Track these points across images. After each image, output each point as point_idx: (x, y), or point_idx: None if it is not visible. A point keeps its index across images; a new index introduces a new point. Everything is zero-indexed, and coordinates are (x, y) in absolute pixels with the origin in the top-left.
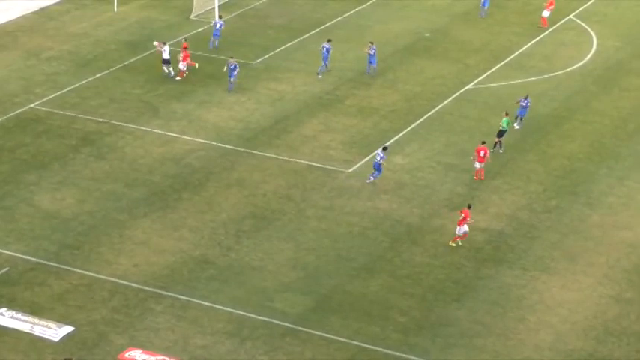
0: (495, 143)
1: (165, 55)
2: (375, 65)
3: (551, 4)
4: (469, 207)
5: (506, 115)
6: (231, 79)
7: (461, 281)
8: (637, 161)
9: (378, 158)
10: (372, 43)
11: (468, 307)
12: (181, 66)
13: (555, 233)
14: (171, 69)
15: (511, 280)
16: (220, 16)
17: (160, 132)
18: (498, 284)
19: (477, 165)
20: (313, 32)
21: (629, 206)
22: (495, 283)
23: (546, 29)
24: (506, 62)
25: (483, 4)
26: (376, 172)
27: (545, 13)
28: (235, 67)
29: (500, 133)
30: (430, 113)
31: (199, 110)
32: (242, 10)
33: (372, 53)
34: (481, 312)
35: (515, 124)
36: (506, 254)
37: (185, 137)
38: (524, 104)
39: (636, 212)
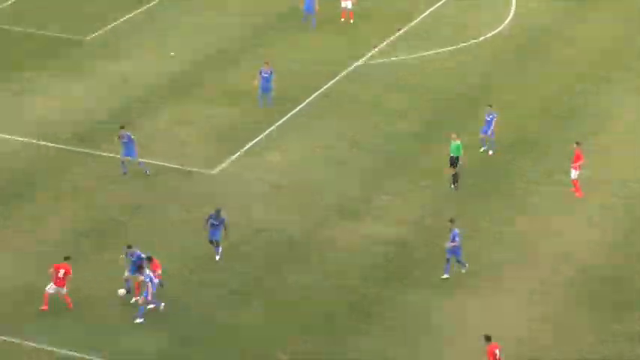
0: (454, 176)
1: None
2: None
3: None
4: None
5: (456, 138)
6: (263, 94)
7: (357, 306)
8: (568, 151)
9: None
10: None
11: (368, 338)
12: None
13: (472, 243)
14: None
15: (420, 302)
16: None
17: None
18: (404, 308)
19: None
20: None
21: (560, 206)
22: (401, 306)
23: None
24: (406, 31)
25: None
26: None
27: None
28: (271, 73)
29: (453, 161)
30: (312, 97)
31: (17, 100)
32: None
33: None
34: (384, 344)
35: (484, 148)
36: (412, 271)
37: (2, 135)
38: (488, 118)
39: (568, 213)
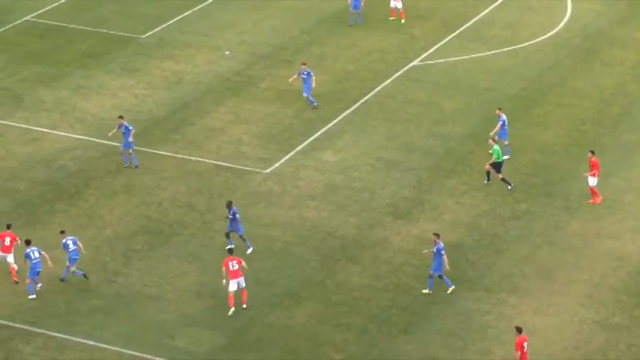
0: (487, 172)
1: None
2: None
3: None
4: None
5: (494, 141)
6: (307, 95)
7: (409, 308)
8: (624, 153)
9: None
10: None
11: (419, 339)
12: None
13: (526, 244)
14: None
15: (472, 304)
16: None
17: (25, 126)
18: (456, 310)
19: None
20: None
21: (616, 209)
22: (452, 308)
23: None
24: (461, 32)
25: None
26: None
27: None
28: (309, 75)
29: (497, 167)
30: (367, 97)
31: (75, 98)
32: None
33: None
34: (435, 346)
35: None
36: (466, 272)
37: (57, 132)
38: (500, 122)
39: (624, 217)
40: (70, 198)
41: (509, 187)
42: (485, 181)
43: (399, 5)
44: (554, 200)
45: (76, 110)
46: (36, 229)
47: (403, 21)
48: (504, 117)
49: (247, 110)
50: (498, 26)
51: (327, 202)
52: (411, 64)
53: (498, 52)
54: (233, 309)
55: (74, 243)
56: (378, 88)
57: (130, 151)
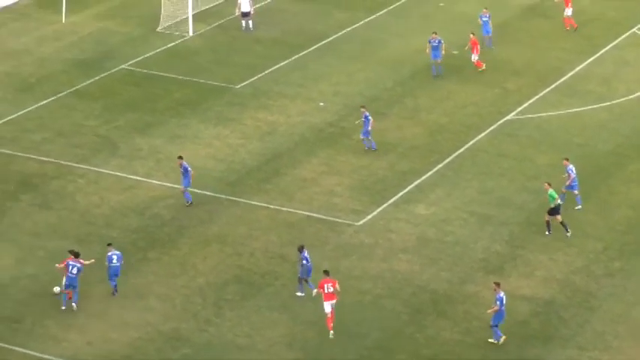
0: (547, 223)
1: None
2: (439, 61)
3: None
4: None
5: (549, 185)
6: (365, 137)
7: None
8: None
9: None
10: (435, 33)
11: None
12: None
13: (619, 303)
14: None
15: None
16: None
17: (119, 174)
18: None
19: None
20: (313, 48)
21: None
22: None
23: (577, 29)
24: (556, 86)
25: (486, 31)
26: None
27: (568, 12)
28: (367, 118)
29: (554, 211)
30: (460, 151)
31: (170, 147)
32: (222, 21)
33: (435, 45)
34: None
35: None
36: (558, 329)
37: (151, 181)
38: (571, 174)
39: None
40: (162, 246)
41: (568, 234)
42: (547, 232)
43: (570, 13)
44: None
45: (170, 159)
46: (128, 277)
47: (575, 28)
48: (571, 166)
49: (340, 162)
50: (594, 81)
51: (418, 255)
52: (505, 119)
53: (594, 108)
54: (332, 332)
55: (119, 259)
56: (472, 142)
57: (185, 188)
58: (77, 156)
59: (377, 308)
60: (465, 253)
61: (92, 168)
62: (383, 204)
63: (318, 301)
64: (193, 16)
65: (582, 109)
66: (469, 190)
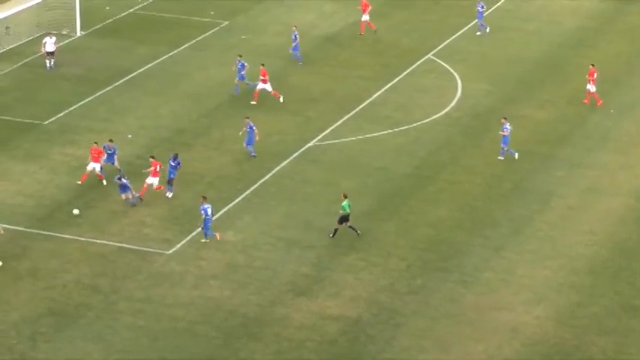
0: (335, 230)
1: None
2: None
3: (366, 6)
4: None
5: (345, 197)
6: (249, 146)
7: None
8: (516, 227)
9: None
10: (295, 27)
11: None
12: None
13: (423, 318)
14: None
15: None
16: (240, 56)
17: None
18: None
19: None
20: (118, 83)
21: (510, 282)
22: None
23: (375, 31)
24: (355, 113)
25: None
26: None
27: (366, 17)
28: (252, 128)
29: (343, 219)
30: (265, 178)
31: None
32: (28, 59)
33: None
34: None
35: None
36: (366, 346)
37: None
38: (506, 132)
39: (518, 289)
40: None
41: (358, 233)
42: (331, 236)
43: (367, 18)
44: (449, 275)
45: None
46: None
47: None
48: (507, 125)
49: (151, 193)
50: (391, 107)
51: (229, 280)
52: (307, 145)
53: (392, 132)
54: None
55: (207, 212)
56: (276, 169)
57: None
58: None
59: (190, 334)
60: (274, 277)
61: None
62: (192, 232)
63: (132, 330)
64: None
65: (381, 133)
66: (275, 216)
